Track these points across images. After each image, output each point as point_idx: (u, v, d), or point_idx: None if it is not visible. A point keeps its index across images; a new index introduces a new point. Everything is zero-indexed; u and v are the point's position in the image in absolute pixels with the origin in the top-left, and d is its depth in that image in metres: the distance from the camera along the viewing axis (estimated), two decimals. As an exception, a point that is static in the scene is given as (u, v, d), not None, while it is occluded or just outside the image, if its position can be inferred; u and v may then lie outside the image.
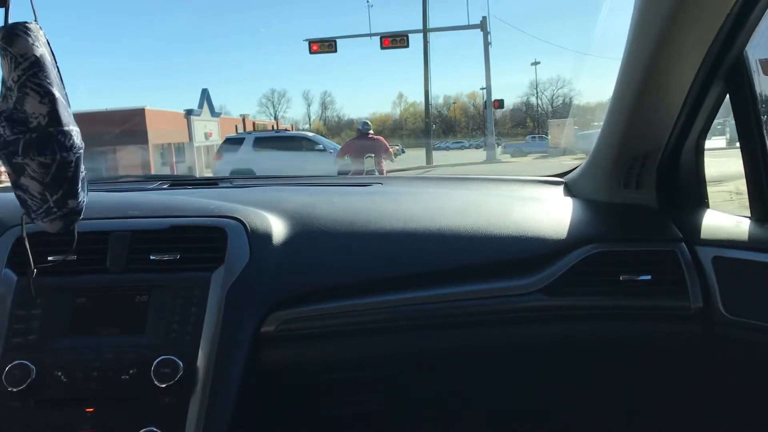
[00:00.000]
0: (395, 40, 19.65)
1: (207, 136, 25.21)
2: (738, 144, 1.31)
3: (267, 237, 1.30)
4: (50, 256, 1.19)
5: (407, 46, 19.61)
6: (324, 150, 12.56)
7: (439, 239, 1.34)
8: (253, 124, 34.24)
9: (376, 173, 6.39)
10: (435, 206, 1.49)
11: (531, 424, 1.52)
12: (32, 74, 0.88)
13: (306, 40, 19.68)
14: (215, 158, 14.08)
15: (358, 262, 1.32)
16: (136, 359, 1.12)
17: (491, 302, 1.30)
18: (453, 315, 1.30)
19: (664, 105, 1.31)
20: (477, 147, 31.29)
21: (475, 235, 1.34)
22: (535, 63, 50.22)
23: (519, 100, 53.93)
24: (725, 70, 1.24)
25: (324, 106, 61.99)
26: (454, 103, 58.71)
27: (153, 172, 14.97)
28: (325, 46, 19.72)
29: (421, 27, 22.00)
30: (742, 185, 1.34)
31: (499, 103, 24.55)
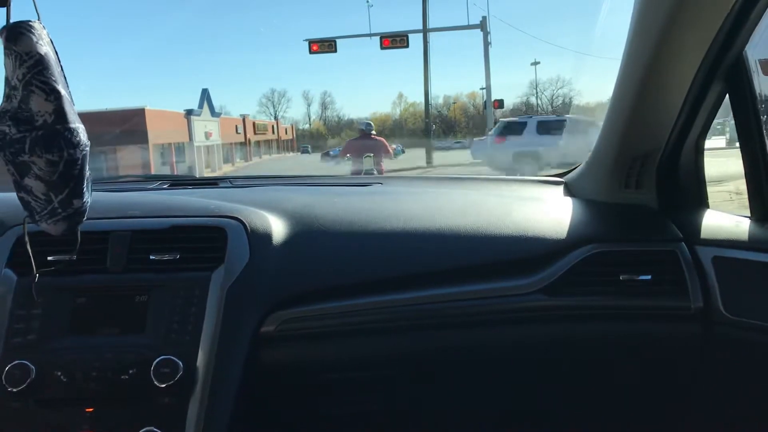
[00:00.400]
0: (395, 40, 19.64)
1: (207, 136, 25.22)
2: (738, 144, 1.31)
3: (267, 237, 1.30)
4: (50, 257, 1.19)
5: (407, 46, 19.60)
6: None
7: (439, 239, 1.34)
8: (254, 123, 34.24)
9: (375, 172, 6.44)
10: (435, 206, 1.49)
11: (531, 424, 1.52)
12: (37, 72, 0.88)
13: (306, 40, 19.68)
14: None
15: (358, 262, 1.32)
16: (136, 359, 1.12)
17: (491, 302, 1.30)
18: (453, 315, 1.30)
19: (663, 105, 1.31)
20: (477, 147, 31.22)
21: (475, 235, 1.34)
22: (535, 63, 50.39)
23: (519, 100, 53.99)
24: (725, 70, 1.24)
25: (324, 106, 62.06)
26: (454, 103, 58.75)
27: (153, 172, 14.97)
28: (325, 46, 19.71)
29: (421, 27, 22.00)
30: (742, 185, 1.34)
31: (499, 103, 24.51)
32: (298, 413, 1.43)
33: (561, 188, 1.70)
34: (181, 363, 1.11)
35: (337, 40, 19.78)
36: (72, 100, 0.93)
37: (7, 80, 0.90)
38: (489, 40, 22.17)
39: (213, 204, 1.38)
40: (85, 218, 1.01)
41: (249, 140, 32.27)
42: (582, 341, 1.33)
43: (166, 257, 1.23)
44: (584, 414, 1.49)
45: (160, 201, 1.47)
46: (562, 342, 1.33)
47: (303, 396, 1.40)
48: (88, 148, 0.95)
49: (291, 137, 44.45)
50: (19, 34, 0.88)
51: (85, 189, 0.97)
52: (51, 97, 0.89)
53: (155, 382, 1.09)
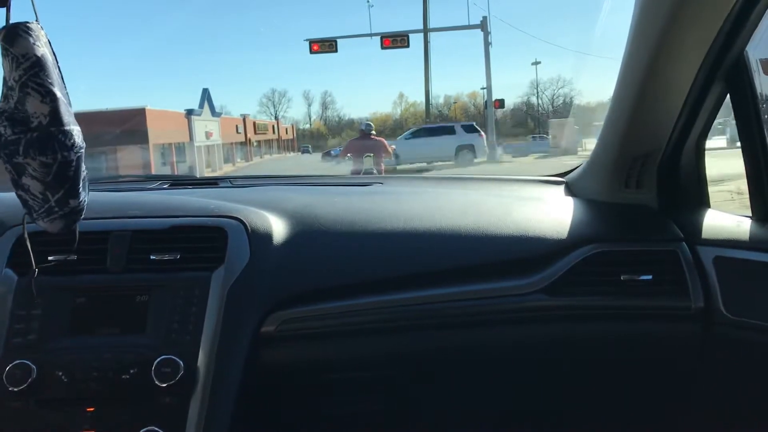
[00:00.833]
0: (396, 40, 19.64)
1: (207, 135, 25.22)
2: (738, 144, 1.31)
3: (267, 237, 1.30)
4: (51, 256, 1.19)
5: (408, 46, 19.60)
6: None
7: (439, 239, 1.33)
8: (254, 123, 34.24)
9: (375, 172, 6.54)
10: (435, 206, 1.49)
11: (531, 424, 1.52)
12: (33, 74, 0.88)
13: (306, 40, 19.68)
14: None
15: (359, 262, 1.32)
16: (137, 359, 1.12)
17: (491, 302, 1.30)
18: (453, 315, 1.30)
19: (664, 105, 1.31)
20: (477, 147, 31.21)
21: (476, 235, 1.34)
22: (536, 63, 50.27)
23: (519, 100, 53.99)
24: (726, 70, 1.24)
25: (324, 105, 62.01)
26: (455, 102, 58.70)
27: (153, 172, 14.98)
28: (325, 46, 19.72)
29: (421, 27, 22.02)
30: (742, 185, 1.34)
31: (500, 103, 24.53)
32: (298, 413, 1.43)
33: (562, 188, 1.70)
34: (181, 363, 1.11)
35: (338, 40, 19.78)
36: (69, 102, 0.93)
37: (4, 81, 0.90)
38: (489, 40, 22.18)
39: (213, 204, 1.38)
40: (84, 217, 1.01)
41: (249, 140, 32.28)
42: (582, 341, 1.33)
43: (167, 257, 1.23)
44: (584, 414, 1.49)
45: (160, 201, 1.47)
46: (562, 342, 1.33)
47: (303, 396, 1.40)
48: (82, 151, 0.95)
49: (291, 137, 44.46)
50: (16, 35, 0.88)
51: (81, 189, 0.97)
52: (46, 99, 0.89)
53: (156, 382, 1.09)
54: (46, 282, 1.17)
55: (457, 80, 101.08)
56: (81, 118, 0.97)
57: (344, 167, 7.76)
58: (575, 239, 1.34)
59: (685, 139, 1.39)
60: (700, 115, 1.34)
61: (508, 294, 1.29)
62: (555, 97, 51.92)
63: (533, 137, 31.30)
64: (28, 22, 0.89)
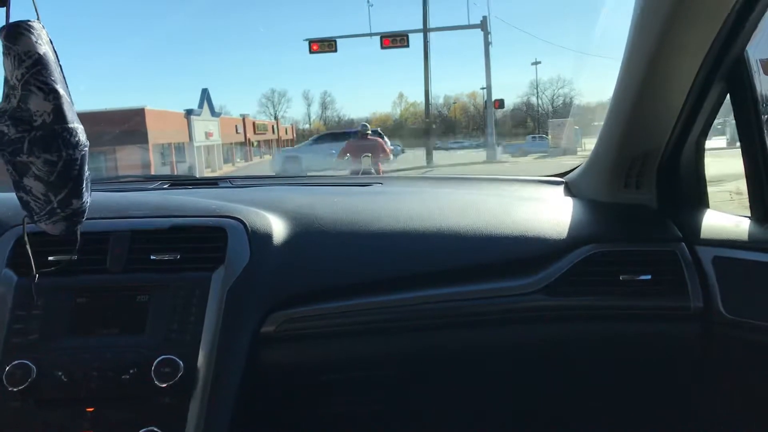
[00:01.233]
0: (395, 40, 19.64)
1: (207, 135, 25.20)
2: (738, 144, 1.31)
3: (267, 237, 1.30)
4: (51, 257, 1.19)
5: (407, 45, 19.60)
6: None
7: (439, 239, 1.34)
8: (254, 123, 34.22)
9: (373, 171, 6.61)
10: (435, 206, 1.49)
11: (531, 424, 1.52)
12: (36, 72, 0.88)
13: (306, 39, 19.67)
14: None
15: (358, 262, 1.32)
16: (136, 359, 1.12)
17: (491, 302, 1.30)
18: (453, 315, 1.30)
19: (664, 105, 1.31)
20: (477, 147, 31.28)
21: (476, 235, 1.34)
22: (536, 63, 50.17)
23: (519, 100, 53.93)
24: (726, 70, 1.24)
25: (324, 105, 61.97)
26: (455, 103, 58.69)
27: (153, 172, 14.98)
28: (325, 45, 19.71)
29: (421, 27, 21.99)
30: (742, 185, 1.34)
31: (500, 103, 24.54)
32: (298, 413, 1.43)
33: (561, 188, 1.70)
34: (181, 363, 1.11)
35: (338, 40, 19.78)
36: (71, 100, 0.93)
37: (6, 80, 0.90)
38: (489, 40, 22.19)
39: (213, 204, 1.38)
40: (85, 218, 1.01)
41: (249, 140, 32.26)
42: (581, 341, 1.33)
43: (167, 257, 1.23)
44: (584, 414, 1.49)
45: (160, 201, 1.47)
46: (561, 342, 1.33)
47: (303, 396, 1.40)
48: (86, 149, 0.95)
49: (291, 137, 44.45)
50: (18, 33, 0.87)
51: (84, 189, 0.96)
52: (50, 97, 0.89)
53: (156, 382, 1.10)
54: (46, 282, 1.17)
55: (456, 80, 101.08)
56: (80, 118, 0.96)
57: (343, 167, 7.86)
58: (575, 239, 1.34)
59: (685, 140, 1.39)
60: (700, 115, 1.34)
61: (508, 294, 1.29)
62: (555, 97, 51.92)
63: (533, 137, 31.28)
64: (29, 21, 0.89)
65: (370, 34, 21.17)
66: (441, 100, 57.14)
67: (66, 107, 0.90)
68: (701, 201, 1.45)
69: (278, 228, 1.33)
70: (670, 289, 1.29)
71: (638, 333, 1.32)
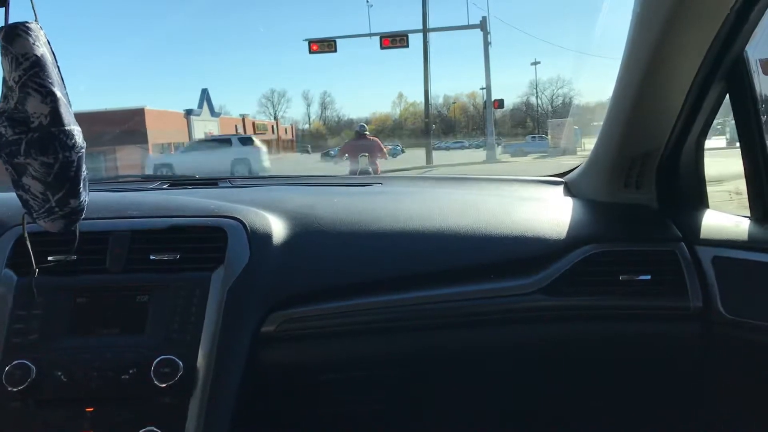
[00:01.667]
0: (395, 40, 19.67)
1: (207, 135, 25.22)
2: (738, 144, 1.31)
3: (267, 237, 1.30)
4: (51, 256, 1.19)
5: (407, 46, 19.64)
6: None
7: (439, 239, 1.34)
8: (253, 123, 34.22)
9: (371, 171, 6.74)
10: (435, 206, 1.49)
11: (531, 424, 1.52)
12: (33, 74, 0.88)
13: (306, 39, 19.71)
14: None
15: (358, 262, 1.32)
16: (136, 359, 1.12)
17: (491, 302, 1.30)
18: (453, 315, 1.30)
19: (664, 105, 1.31)
20: (477, 147, 31.29)
21: (475, 235, 1.34)
22: (535, 63, 50.15)
23: (519, 100, 53.98)
24: (725, 70, 1.24)
25: (324, 105, 61.98)
26: (454, 103, 58.69)
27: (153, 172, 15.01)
28: (325, 45, 19.74)
29: (421, 27, 22.00)
30: (741, 185, 1.34)
31: (499, 103, 24.57)
32: (298, 413, 1.43)
33: (561, 188, 1.70)
34: (181, 363, 1.11)
35: (337, 40, 19.82)
36: (69, 102, 0.93)
37: (3, 81, 0.90)
38: (489, 40, 22.22)
39: (213, 204, 1.38)
40: (84, 217, 1.01)
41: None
42: (582, 341, 1.33)
43: (166, 257, 1.23)
44: (584, 414, 1.49)
45: (159, 201, 1.47)
46: (561, 342, 1.33)
47: (303, 396, 1.40)
48: (83, 150, 0.95)
49: (291, 137, 44.46)
50: (15, 35, 0.87)
51: (81, 189, 0.97)
52: (47, 99, 0.89)
53: (155, 382, 1.10)
54: (46, 282, 1.17)
55: (456, 80, 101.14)
56: (80, 118, 0.97)
57: (343, 167, 7.96)
58: (574, 239, 1.34)
59: (685, 139, 1.39)
60: (700, 115, 1.34)
61: (508, 294, 1.29)
62: (554, 97, 51.96)
63: (532, 137, 31.29)
64: (27, 22, 0.89)
65: (370, 35, 21.20)
66: (440, 100, 57.21)
67: (63, 109, 0.91)
68: (701, 201, 1.45)
69: (278, 228, 1.33)
70: (670, 289, 1.29)
71: (638, 333, 1.32)
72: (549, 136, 24.43)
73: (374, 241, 1.34)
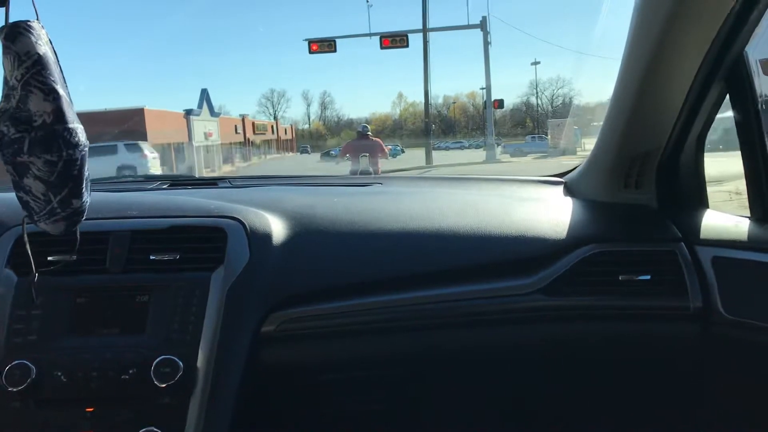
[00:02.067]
0: (395, 40, 19.66)
1: (206, 136, 25.21)
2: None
3: (267, 237, 1.30)
4: (50, 257, 1.19)
5: (407, 45, 19.63)
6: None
7: (439, 239, 1.34)
8: (253, 123, 34.22)
9: (371, 171, 6.76)
10: (435, 206, 1.50)
11: (531, 424, 1.52)
12: (36, 72, 0.88)
13: (306, 39, 19.70)
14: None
15: (358, 263, 1.32)
16: (136, 359, 1.12)
17: (491, 302, 1.30)
18: (453, 315, 1.30)
19: (664, 105, 1.31)
20: (476, 147, 31.29)
21: (475, 235, 1.34)
22: (535, 63, 50.21)
23: (519, 100, 54.01)
24: (725, 71, 1.24)
25: (323, 106, 61.98)
26: (454, 103, 58.68)
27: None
28: (324, 45, 19.73)
29: (420, 27, 22.00)
30: (741, 185, 1.34)
31: (499, 103, 24.58)
32: (298, 413, 1.43)
33: (561, 188, 1.70)
34: (181, 363, 1.11)
35: (337, 40, 19.81)
36: (71, 101, 0.93)
37: (5, 80, 0.90)
38: (489, 40, 22.23)
39: (213, 204, 1.38)
40: (85, 218, 1.01)
41: (249, 140, 32.26)
42: (581, 341, 1.33)
43: (166, 257, 1.23)
44: (584, 414, 1.49)
45: (159, 201, 1.47)
46: (561, 342, 1.33)
47: (303, 396, 1.40)
48: (87, 149, 0.95)
49: (291, 137, 44.46)
50: (17, 34, 0.87)
51: (84, 189, 0.96)
52: (49, 98, 0.89)
53: (155, 382, 1.10)
54: (46, 282, 1.17)
55: (456, 80, 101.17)
56: (80, 118, 0.96)
57: (344, 167, 7.97)
58: (574, 239, 1.34)
59: (685, 140, 1.39)
60: (699, 115, 1.34)
61: (508, 294, 1.29)
62: (554, 97, 51.98)
63: (532, 137, 31.29)
64: (28, 21, 0.89)
65: (370, 35, 21.20)
66: (440, 100, 57.19)
67: (66, 107, 0.90)
68: (701, 201, 1.45)
69: (278, 228, 1.33)
70: (670, 289, 1.29)
71: (638, 333, 1.32)
72: (549, 137, 24.45)
73: (374, 241, 1.34)
